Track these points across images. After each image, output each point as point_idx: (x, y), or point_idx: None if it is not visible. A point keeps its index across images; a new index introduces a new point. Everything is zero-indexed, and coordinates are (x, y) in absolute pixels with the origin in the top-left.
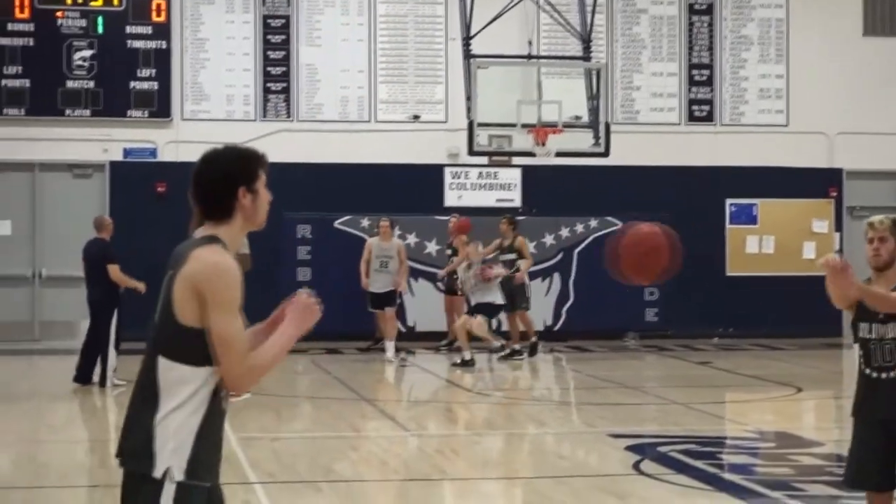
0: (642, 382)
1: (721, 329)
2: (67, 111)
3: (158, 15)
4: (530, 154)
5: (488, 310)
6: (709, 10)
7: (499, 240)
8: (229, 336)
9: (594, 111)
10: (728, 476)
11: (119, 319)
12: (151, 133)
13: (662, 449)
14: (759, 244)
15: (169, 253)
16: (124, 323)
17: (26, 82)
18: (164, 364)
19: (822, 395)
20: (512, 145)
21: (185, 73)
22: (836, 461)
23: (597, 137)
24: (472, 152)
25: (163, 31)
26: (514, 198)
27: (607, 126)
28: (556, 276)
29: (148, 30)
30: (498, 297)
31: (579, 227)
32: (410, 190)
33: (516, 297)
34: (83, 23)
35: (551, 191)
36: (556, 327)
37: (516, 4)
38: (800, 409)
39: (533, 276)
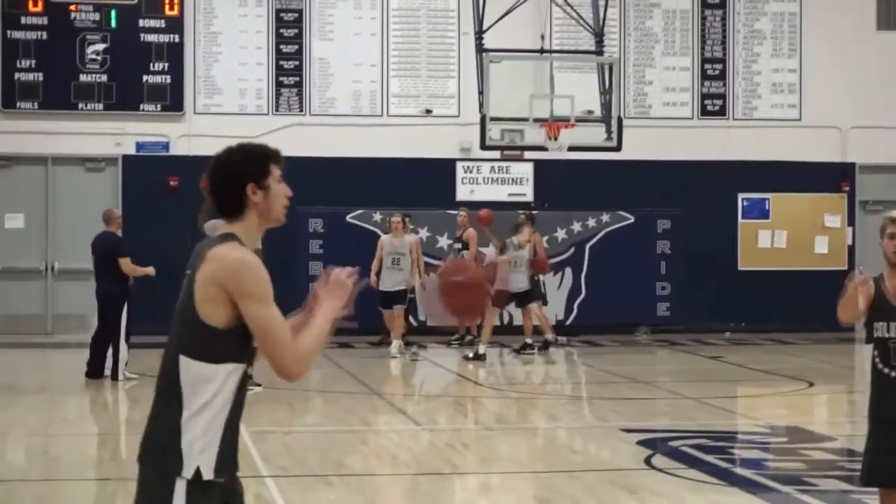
0: (654, 377)
1: (733, 324)
2: (80, 105)
3: (171, 8)
4: (542, 148)
5: (531, 296)
6: (722, 5)
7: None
8: (271, 327)
9: (606, 105)
10: (739, 471)
11: (129, 313)
12: (164, 127)
13: (674, 443)
14: (771, 239)
15: (180, 246)
16: (133, 316)
17: (39, 76)
18: (186, 363)
19: (833, 389)
20: (524, 140)
21: (197, 67)
22: (848, 456)
23: (609, 132)
24: (484, 146)
25: (176, 24)
26: (526, 192)
27: (620, 120)
28: (568, 271)
29: (161, 23)
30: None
31: (591, 222)
32: (422, 184)
33: (532, 291)
34: (96, 16)
35: (563, 185)
36: (568, 322)
37: None
38: (811, 404)
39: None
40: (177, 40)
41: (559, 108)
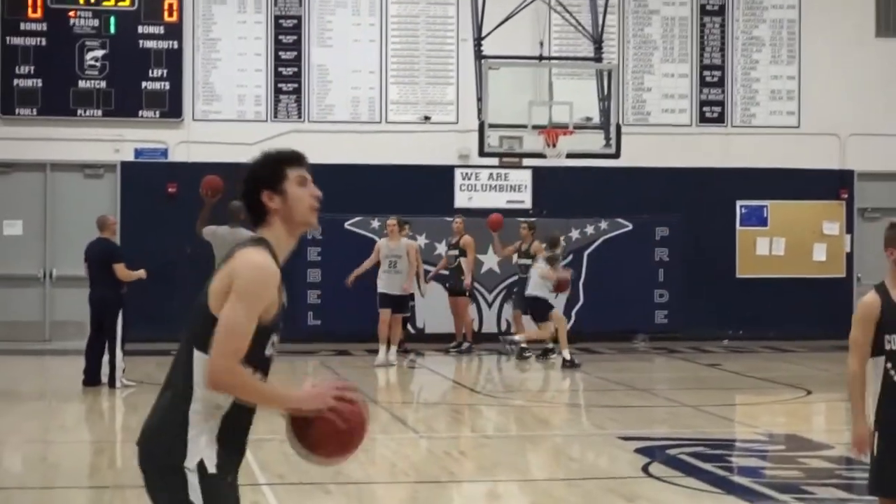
0: (652, 384)
1: (731, 331)
2: (79, 111)
3: (170, 15)
4: (541, 155)
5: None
6: (720, 11)
7: (518, 244)
8: (233, 324)
9: (605, 112)
10: (737, 479)
11: (124, 319)
12: (163, 133)
13: (672, 451)
14: (769, 246)
15: (178, 252)
16: (129, 323)
17: (38, 82)
18: (198, 356)
19: (832, 397)
20: (522, 146)
21: (196, 74)
22: (846, 464)
23: (608, 139)
24: (482, 153)
25: (175, 31)
26: (525, 199)
27: (618, 127)
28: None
29: (160, 30)
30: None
31: (589, 229)
32: (421, 191)
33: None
34: (95, 23)
35: (562, 192)
36: (566, 329)
37: (528, 5)
38: (810, 412)
39: None
40: (176, 47)
41: (558, 114)
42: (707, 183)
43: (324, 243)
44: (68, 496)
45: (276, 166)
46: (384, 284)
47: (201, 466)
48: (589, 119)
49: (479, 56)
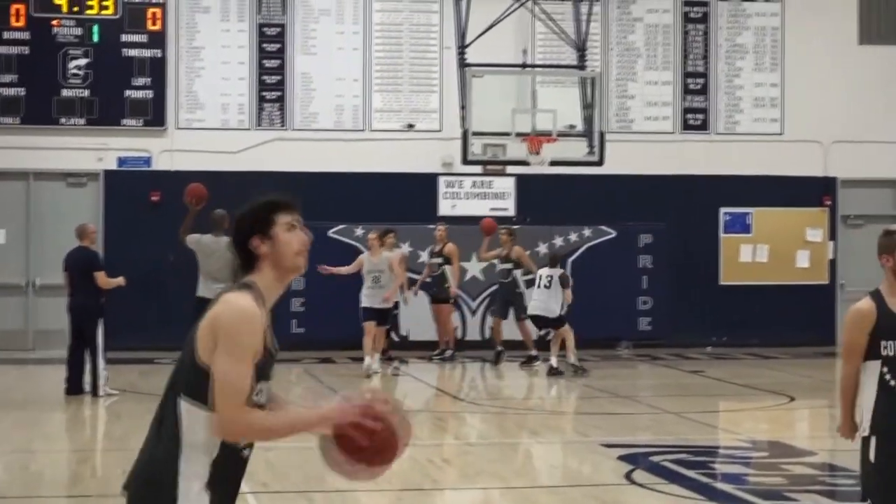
0: (635, 392)
1: (714, 338)
2: (62, 120)
3: (154, 23)
4: (524, 163)
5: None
6: (704, 19)
7: (500, 248)
8: (227, 379)
9: (589, 120)
10: (720, 486)
11: (104, 328)
12: (146, 142)
13: (655, 458)
14: (752, 253)
15: (164, 260)
16: (111, 332)
17: (21, 91)
18: (185, 404)
19: (815, 404)
20: (506, 154)
21: (179, 82)
22: (829, 471)
23: (591, 146)
24: (466, 161)
25: (158, 39)
26: (508, 207)
27: (602, 135)
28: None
29: (143, 38)
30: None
31: (573, 237)
32: (404, 199)
33: (516, 304)
34: (78, 31)
35: (545, 200)
36: (549, 336)
37: (511, 13)
38: (793, 419)
39: (526, 285)
40: (159, 55)
41: (541, 122)
42: (691, 190)
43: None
44: None
45: (265, 212)
46: (368, 299)
47: None
48: (572, 127)
49: (462, 64)
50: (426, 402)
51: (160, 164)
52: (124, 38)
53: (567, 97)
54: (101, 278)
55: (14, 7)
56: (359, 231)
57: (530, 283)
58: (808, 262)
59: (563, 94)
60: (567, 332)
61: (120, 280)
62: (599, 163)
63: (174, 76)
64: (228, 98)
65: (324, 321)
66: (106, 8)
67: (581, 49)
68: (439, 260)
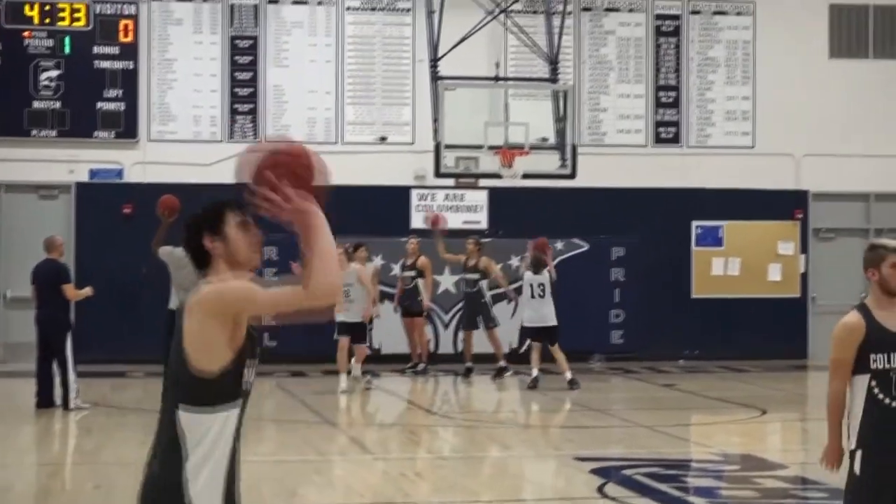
0: (608, 405)
1: (686, 351)
2: (34, 132)
3: (126, 35)
4: (497, 176)
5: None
6: (676, 32)
7: (464, 256)
8: (272, 303)
9: (561, 133)
10: (692, 499)
11: (73, 340)
12: (118, 154)
13: (627, 472)
14: (724, 266)
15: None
16: (80, 344)
17: None
18: (184, 413)
19: (786, 417)
20: (479, 167)
21: (152, 94)
22: (801, 484)
23: (563, 159)
24: (438, 174)
25: (130, 51)
26: (481, 219)
27: (574, 148)
28: (522, 299)
29: (115, 50)
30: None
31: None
32: (377, 212)
33: (483, 314)
34: (50, 43)
35: (518, 213)
36: (522, 349)
37: (484, 26)
38: (764, 432)
39: (499, 298)
40: (131, 67)
41: (514, 135)
42: (663, 203)
43: (280, 264)
44: None
45: (217, 211)
46: (341, 314)
47: None
48: (545, 140)
49: (434, 77)
50: (399, 415)
51: (132, 176)
52: (96, 49)
53: (539, 110)
54: (70, 290)
55: None
56: None
57: (499, 298)
58: (780, 275)
59: (535, 107)
60: (559, 350)
61: (88, 291)
62: (572, 176)
63: (146, 88)
64: (201, 110)
65: (296, 334)
66: (78, 20)
67: (553, 62)
68: (412, 273)
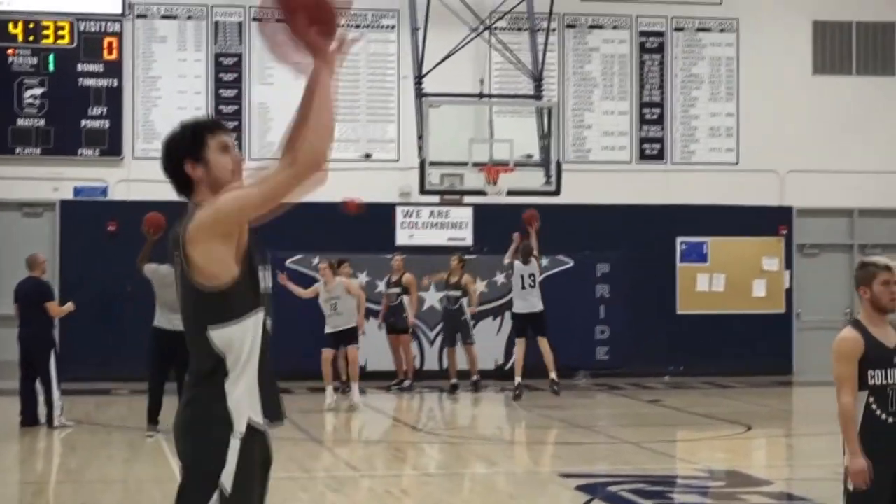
0: (593, 421)
1: (672, 367)
2: (18, 149)
3: (110, 53)
4: (482, 193)
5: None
6: (660, 49)
7: (446, 274)
8: (267, 196)
9: (545, 149)
10: None
11: (57, 358)
12: (102, 171)
13: (613, 489)
14: (709, 282)
15: (119, 291)
16: (63, 362)
17: None
18: (214, 332)
19: (772, 433)
20: (463, 184)
21: (136, 112)
22: (786, 500)
23: (548, 176)
24: (423, 191)
25: (114, 69)
26: (466, 236)
27: (558, 164)
28: (508, 315)
29: (99, 68)
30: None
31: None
32: (362, 229)
33: (462, 331)
34: (34, 60)
35: (503, 229)
36: (508, 366)
37: (468, 43)
38: (750, 448)
39: (484, 314)
40: (115, 84)
41: (498, 152)
42: (647, 220)
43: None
44: None
45: (196, 134)
46: (330, 327)
47: (249, 428)
48: (529, 156)
49: (419, 94)
50: (384, 432)
51: (117, 193)
52: (80, 67)
53: (524, 127)
54: (53, 308)
55: None
56: (316, 261)
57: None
58: (765, 291)
59: (520, 123)
60: (547, 349)
61: (70, 306)
62: (556, 192)
63: (130, 106)
64: None
65: (282, 351)
66: (62, 37)
67: (538, 79)
68: (397, 290)
